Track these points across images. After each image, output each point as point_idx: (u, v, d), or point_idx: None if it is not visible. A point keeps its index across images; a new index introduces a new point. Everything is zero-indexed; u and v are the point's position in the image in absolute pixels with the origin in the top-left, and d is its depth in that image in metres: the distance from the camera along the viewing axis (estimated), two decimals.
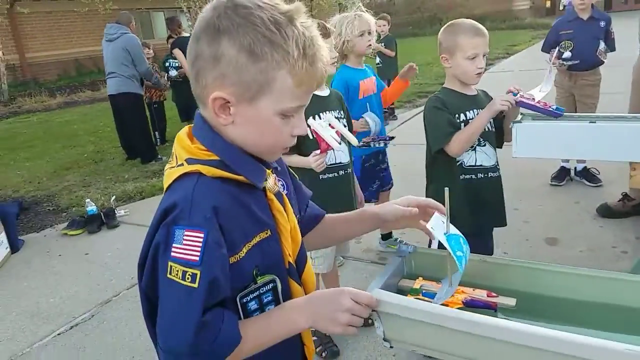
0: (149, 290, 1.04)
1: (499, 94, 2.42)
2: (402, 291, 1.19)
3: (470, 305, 1.10)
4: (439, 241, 1.10)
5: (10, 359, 3.07)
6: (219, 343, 0.98)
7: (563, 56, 4.65)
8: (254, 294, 1.09)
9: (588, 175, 4.96)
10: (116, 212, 5.21)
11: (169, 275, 0.98)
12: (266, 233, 1.10)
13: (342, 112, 2.66)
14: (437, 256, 1.14)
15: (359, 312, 1.05)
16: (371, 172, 3.68)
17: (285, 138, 1.08)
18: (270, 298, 1.11)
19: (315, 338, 2.86)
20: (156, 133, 7.83)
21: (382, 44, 8.40)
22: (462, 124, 2.41)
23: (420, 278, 1.22)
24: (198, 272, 0.96)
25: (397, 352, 2.75)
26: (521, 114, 2.63)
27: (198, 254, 0.96)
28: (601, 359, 0.86)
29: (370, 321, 1.11)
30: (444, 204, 2.40)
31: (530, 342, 0.90)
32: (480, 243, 2.61)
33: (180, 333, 0.97)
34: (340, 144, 2.40)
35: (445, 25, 2.48)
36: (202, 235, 0.97)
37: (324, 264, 2.77)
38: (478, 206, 2.50)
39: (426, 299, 1.13)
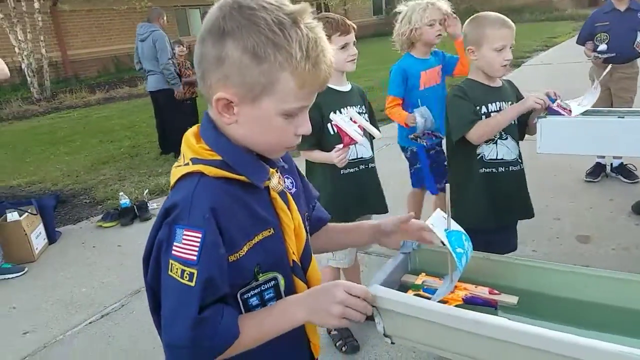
0: (154, 285, 1.08)
1: (533, 93, 2.37)
2: (404, 287, 1.19)
3: (470, 302, 1.10)
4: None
5: (45, 345, 3.18)
6: (217, 338, 1.01)
7: (598, 49, 4.53)
8: (255, 291, 1.11)
9: (624, 172, 4.82)
10: (149, 205, 5.32)
11: (169, 273, 1.01)
12: (269, 231, 1.11)
13: (363, 107, 2.65)
14: (441, 253, 1.14)
15: (353, 304, 1.05)
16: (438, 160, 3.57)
17: (289, 137, 1.09)
18: (272, 294, 1.13)
19: (335, 332, 2.88)
20: (187, 128, 7.93)
21: None
22: (484, 117, 2.39)
23: (423, 274, 1.22)
24: (195, 271, 0.99)
25: (417, 349, 2.74)
26: (545, 110, 2.58)
27: (196, 253, 0.99)
28: None
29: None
30: (463, 196, 2.40)
31: (518, 339, 0.89)
32: (502, 239, 2.59)
33: (178, 329, 1.00)
34: (363, 137, 2.40)
35: (471, 18, 2.46)
36: (199, 235, 0.99)
37: (345, 259, 2.78)
38: (499, 200, 2.47)
39: (426, 294, 1.13)
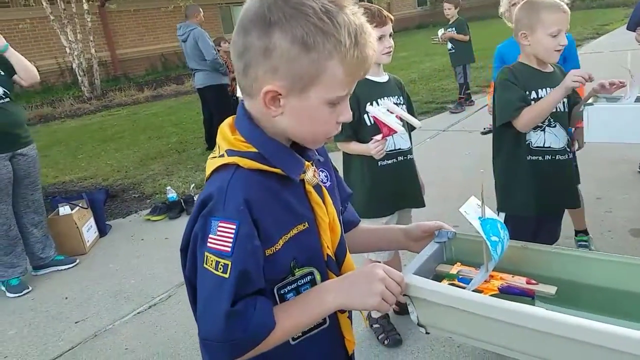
0: (192, 277, 1.08)
1: (573, 70, 2.29)
2: (439, 276, 1.18)
3: (507, 292, 1.07)
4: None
5: (95, 334, 3.30)
6: (251, 330, 1.00)
7: None
8: (292, 286, 1.10)
9: None
10: (195, 199, 5.42)
11: (204, 265, 1.01)
12: (304, 225, 1.10)
13: (401, 98, 2.62)
14: (477, 242, 1.11)
15: (391, 286, 1.04)
16: None
17: (332, 126, 1.07)
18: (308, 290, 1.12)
19: (377, 325, 2.86)
20: None
21: (453, 29, 8.00)
22: (533, 102, 2.34)
23: (458, 263, 1.19)
24: (229, 263, 0.98)
25: (461, 343, 2.70)
26: (595, 95, 2.49)
27: (230, 245, 0.99)
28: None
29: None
30: (508, 182, 2.33)
31: (556, 330, 0.87)
32: (548, 228, 2.56)
33: (211, 322, 1.00)
34: (400, 125, 2.37)
35: (524, 2, 2.39)
36: (234, 226, 0.99)
37: (384, 252, 2.76)
38: (545, 189, 2.42)
39: (461, 284, 1.11)
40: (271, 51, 0.96)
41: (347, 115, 1.08)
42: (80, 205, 4.72)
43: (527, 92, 2.34)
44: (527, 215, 2.49)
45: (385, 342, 2.79)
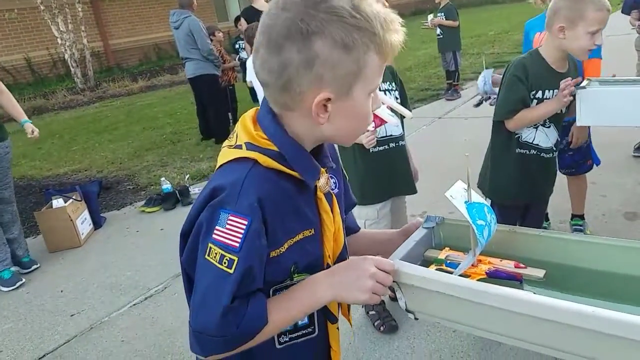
0: (188, 267, 1.07)
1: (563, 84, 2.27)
2: (427, 261, 1.17)
3: (494, 276, 1.07)
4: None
5: (91, 326, 3.30)
6: (244, 326, 1.00)
7: None
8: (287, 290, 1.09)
9: None
10: (190, 190, 5.41)
11: (207, 257, 0.99)
12: (310, 232, 1.09)
13: (394, 84, 2.61)
14: (465, 226, 1.10)
15: (382, 279, 1.04)
16: None
17: (370, 118, 1.07)
18: None
19: (373, 312, 2.87)
20: (229, 114, 8.02)
21: (442, 15, 7.96)
22: (536, 102, 2.34)
23: (447, 248, 1.19)
24: (236, 259, 0.97)
25: (456, 330, 2.71)
26: (588, 79, 2.48)
27: (239, 240, 0.97)
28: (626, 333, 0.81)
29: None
30: (497, 170, 2.35)
31: (543, 314, 0.86)
32: (534, 215, 2.67)
33: (207, 315, 0.99)
34: (394, 117, 2.36)
35: None
36: (246, 222, 0.97)
37: None
38: (528, 180, 2.49)
39: (449, 269, 1.10)
40: (313, 60, 0.94)
41: (377, 102, 1.07)
42: (73, 197, 4.70)
43: (534, 91, 2.33)
44: (515, 204, 2.58)
45: (381, 328, 2.80)
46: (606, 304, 0.97)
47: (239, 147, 1.04)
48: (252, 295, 1.02)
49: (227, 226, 0.97)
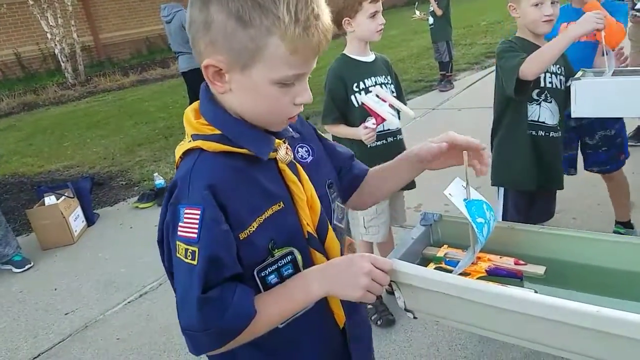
0: (170, 266, 1.06)
1: (586, 14, 2.17)
2: (426, 259, 1.16)
3: (494, 273, 1.06)
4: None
5: (85, 325, 3.28)
6: (228, 318, 0.98)
7: (636, 7, 4.31)
8: (272, 267, 1.07)
9: None
10: None
11: (177, 255, 1.00)
12: (279, 205, 1.07)
13: (389, 77, 2.58)
14: (464, 223, 1.08)
15: (378, 277, 1.02)
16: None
17: (287, 107, 1.03)
18: (290, 271, 1.09)
19: (370, 306, 2.86)
20: None
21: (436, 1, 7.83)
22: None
23: (446, 246, 1.18)
24: (196, 249, 0.96)
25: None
26: (582, 70, 2.47)
27: (196, 230, 0.96)
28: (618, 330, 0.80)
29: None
30: (508, 155, 2.22)
31: (541, 312, 0.86)
32: (543, 203, 2.58)
33: (187, 311, 0.99)
34: (394, 116, 2.32)
35: None
36: (198, 212, 0.97)
37: (378, 234, 2.74)
38: (541, 163, 2.43)
39: (449, 267, 1.09)
40: (210, 24, 0.94)
41: (306, 96, 1.03)
42: (66, 194, 4.66)
43: None
44: (526, 190, 2.50)
45: (378, 322, 2.80)
46: (608, 301, 0.97)
47: (189, 142, 1.04)
48: (236, 287, 1.00)
49: (185, 220, 0.98)
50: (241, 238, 1.02)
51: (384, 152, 2.53)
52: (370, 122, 2.27)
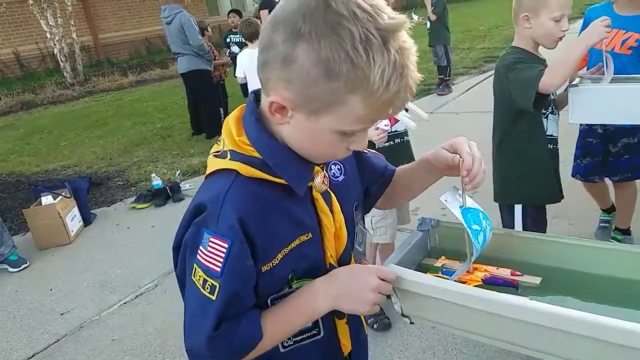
0: (182, 276, 1.03)
1: (594, 22, 2.12)
2: (423, 269, 1.16)
3: (490, 282, 1.06)
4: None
5: (81, 325, 3.27)
6: (237, 343, 0.97)
7: None
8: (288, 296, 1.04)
9: None
10: (181, 185, 5.38)
11: (192, 278, 0.96)
12: (307, 236, 1.03)
13: None
14: (461, 230, 1.09)
15: (384, 290, 1.01)
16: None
17: (340, 152, 0.98)
18: None
19: None
20: (220, 109, 7.97)
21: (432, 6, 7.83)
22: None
23: (443, 257, 1.18)
24: (217, 285, 0.93)
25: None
26: (579, 76, 2.48)
27: (220, 265, 0.93)
28: (614, 339, 0.80)
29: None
30: (528, 170, 2.24)
31: (537, 319, 0.86)
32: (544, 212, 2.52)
33: (195, 339, 0.97)
34: (411, 119, 2.30)
35: None
36: (225, 245, 0.93)
37: (386, 234, 2.74)
38: (556, 176, 2.40)
39: (445, 276, 1.09)
40: (291, 62, 0.85)
41: (361, 145, 0.98)
42: (63, 194, 4.65)
43: None
44: (552, 203, 2.43)
45: (375, 326, 2.80)
46: (604, 309, 0.97)
47: (224, 155, 0.98)
48: (245, 311, 0.98)
49: (209, 248, 0.94)
50: (263, 270, 0.98)
51: (392, 152, 2.53)
52: (383, 123, 2.26)
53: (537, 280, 1.06)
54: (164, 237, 4.33)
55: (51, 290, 3.77)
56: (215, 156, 1.00)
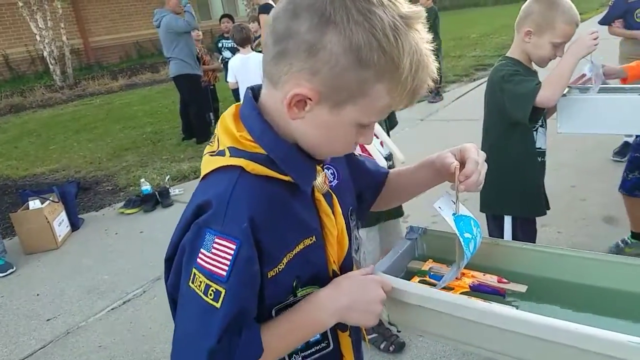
0: (174, 291, 0.93)
1: (582, 35, 2.15)
2: (410, 273, 1.16)
3: (478, 290, 1.06)
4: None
5: (68, 331, 3.24)
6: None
7: None
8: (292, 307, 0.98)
9: None
10: (170, 191, 5.36)
11: (190, 284, 0.87)
12: (310, 240, 0.97)
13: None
14: (449, 238, 1.09)
15: (384, 300, 0.99)
16: None
17: (349, 146, 0.96)
18: None
19: (374, 335, 2.61)
20: (210, 114, 7.95)
21: None
22: None
23: (430, 260, 1.18)
24: (223, 291, 0.85)
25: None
26: (569, 86, 2.49)
27: (226, 268, 0.85)
28: (598, 349, 0.81)
29: None
30: (520, 182, 2.24)
31: (522, 328, 0.87)
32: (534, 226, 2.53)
33: (192, 352, 0.87)
34: (382, 156, 2.22)
35: None
36: (234, 247, 0.85)
37: (365, 262, 2.65)
38: (543, 188, 2.43)
39: (433, 281, 1.09)
40: (318, 51, 0.81)
41: (368, 138, 0.95)
42: (50, 199, 4.62)
43: None
44: (540, 215, 2.46)
45: (391, 348, 2.55)
46: (587, 317, 0.98)
47: (222, 153, 0.91)
48: (248, 323, 0.90)
49: (213, 250, 0.85)
50: (269, 276, 0.91)
51: None
52: (357, 152, 2.22)
53: (523, 288, 1.06)
54: (152, 243, 4.33)
55: (38, 295, 3.73)
56: (212, 155, 0.94)
